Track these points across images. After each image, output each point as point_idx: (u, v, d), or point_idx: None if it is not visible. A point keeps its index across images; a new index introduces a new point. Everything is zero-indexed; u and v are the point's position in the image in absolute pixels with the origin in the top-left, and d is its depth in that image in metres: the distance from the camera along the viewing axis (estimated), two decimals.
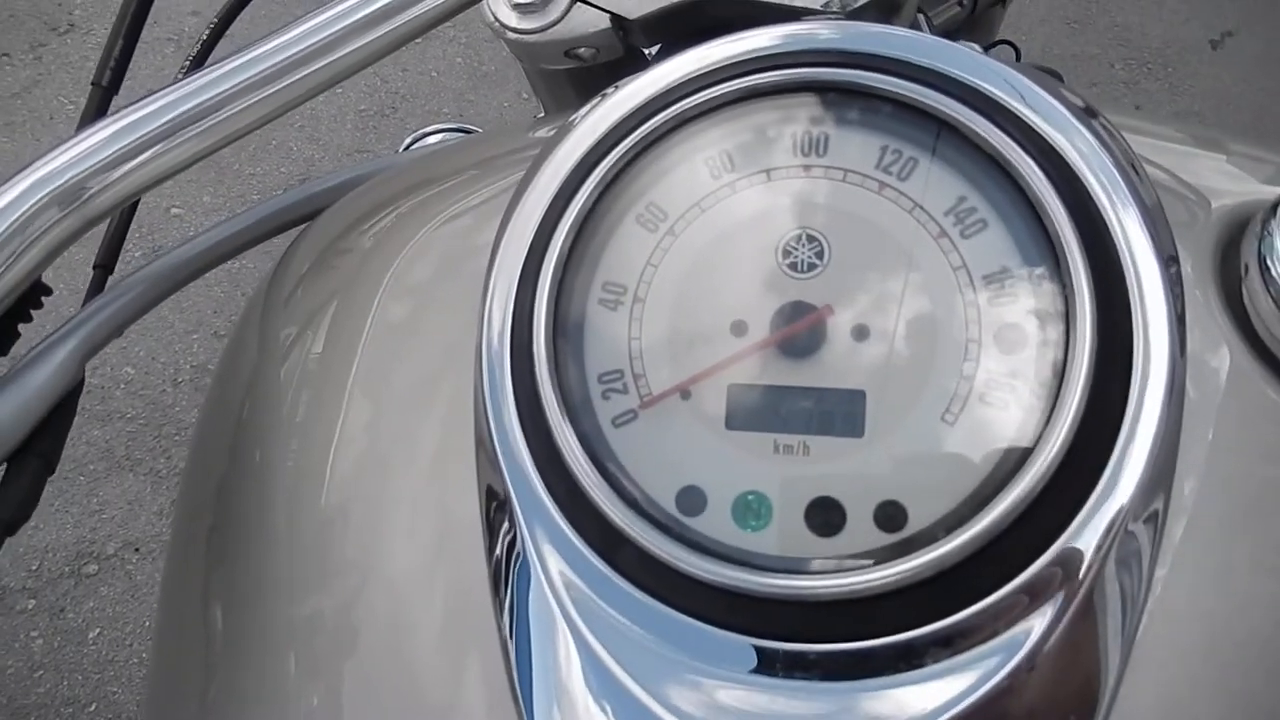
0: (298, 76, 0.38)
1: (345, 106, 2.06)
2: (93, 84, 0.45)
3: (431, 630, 0.31)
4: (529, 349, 0.27)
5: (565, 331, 0.27)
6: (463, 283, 0.39)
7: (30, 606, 1.40)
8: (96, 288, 0.45)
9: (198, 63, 0.47)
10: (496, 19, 0.49)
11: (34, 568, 1.42)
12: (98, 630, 1.38)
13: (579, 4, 0.48)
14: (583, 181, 0.28)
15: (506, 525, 0.26)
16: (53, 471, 0.36)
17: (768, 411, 0.26)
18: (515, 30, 0.49)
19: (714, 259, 0.28)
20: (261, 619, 0.34)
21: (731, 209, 0.28)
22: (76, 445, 1.46)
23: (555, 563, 0.25)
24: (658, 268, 0.28)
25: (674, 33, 0.50)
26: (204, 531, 0.40)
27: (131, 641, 1.38)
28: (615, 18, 0.48)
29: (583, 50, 0.50)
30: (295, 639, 0.33)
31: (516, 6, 0.49)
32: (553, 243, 0.28)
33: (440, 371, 0.36)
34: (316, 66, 0.38)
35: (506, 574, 0.26)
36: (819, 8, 0.45)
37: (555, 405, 0.26)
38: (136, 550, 1.44)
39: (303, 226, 0.47)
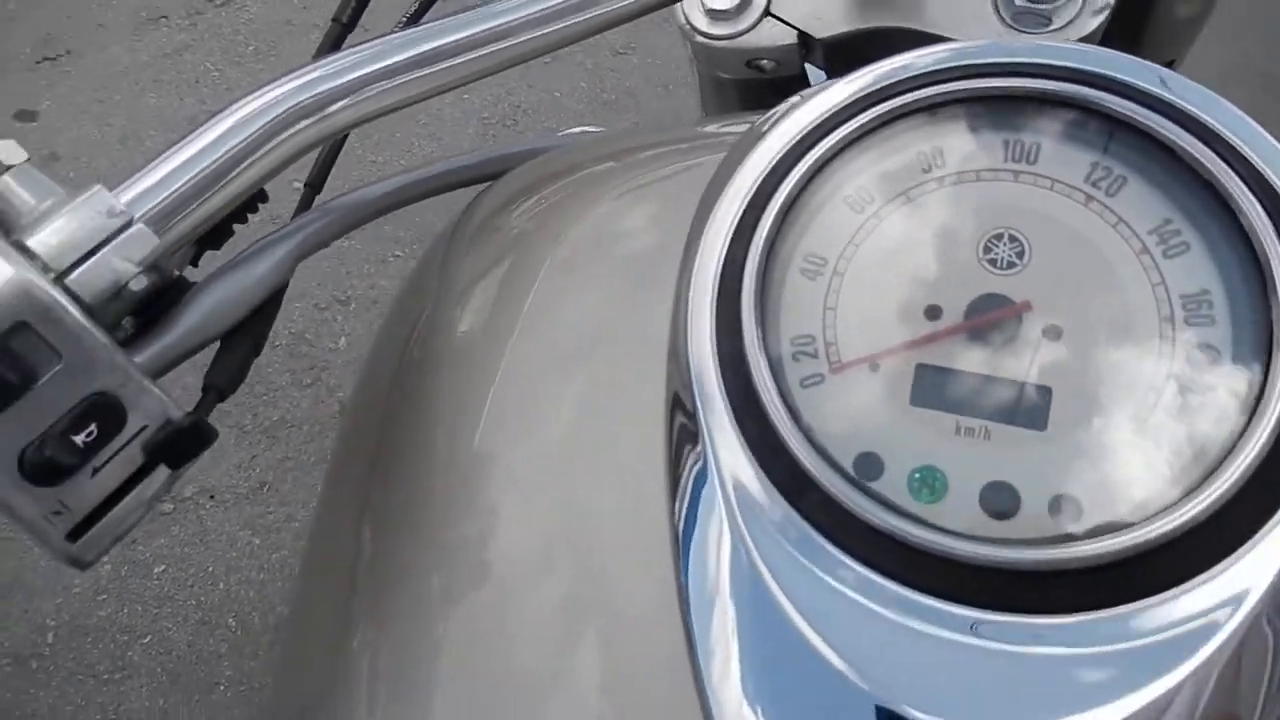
0: (501, 46, 0.41)
1: (469, 111, 2.13)
2: (333, 20, 0.50)
3: (579, 565, 0.33)
4: (737, 298, 0.28)
5: (767, 290, 0.29)
6: (636, 249, 0.41)
7: None
8: (304, 204, 0.49)
9: (415, 18, 0.51)
10: (688, 21, 0.52)
11: None
12: (163, 567, 1.43)
13: (769, 18, 0.51)
14: (798, 160, 0.30)
15: (694, 460, 0.28)
16: (259, 354, 0.39)
17: (953, 393, 0.27)
18: (704, 34, 0.52)
19: (915, 245, 0.29)
20: (411, 541, 0.36)
21: (938, 201, 0.30)
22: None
23: (739, 488, 0.27)
24: (859, 246, 0.30)
25: (854, 58, 0.52)
26: (365, 455, 0.43)
27: (193, 584, 1.42)
28: (802, 35, 0.51)
29: (764, 62, 0.52)
30: (444, 563, 0.35)
31: (710, 12, 0.51)
32: (768, 208, 0.30)
33: (605, 326, 0.38)
34: (517, 40, 0.41)
35: (687, 498, 0.28)
36: None
37: (758, 349, 0.27)
38: (212, 498, 1.49)
39: (483, 186, 0.50)
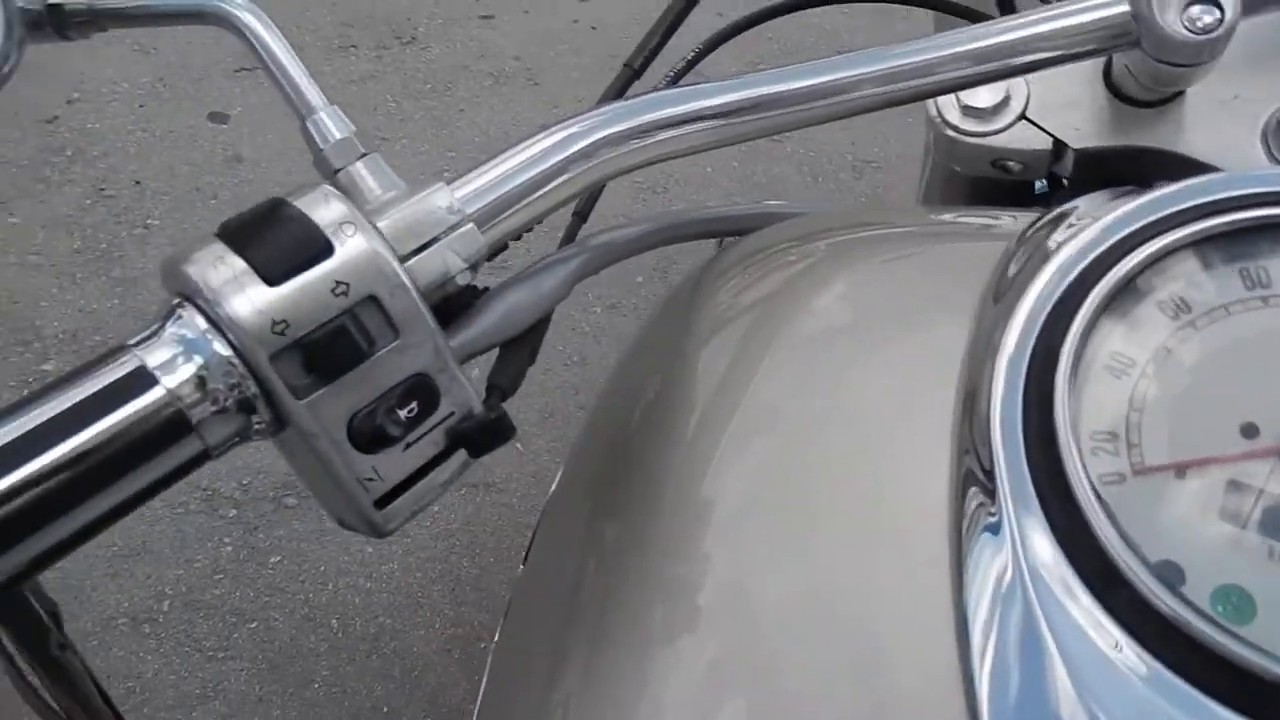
0: (804, 108, 0.43)
1: None
2: (625, 65, 0.53)
3: (845, 637, 0.32)
4: (1050, 386, 0.30)
5: (1074, 380, 0.30)
6: (895, 325, 0.42)
7: (231, 515, 1.52)
8: (571, 232, 0.52)
9: (682, 73, 0.55)
10: (940, 113, 0.54)
11: (244, 483, 1.55)
12: (279, 558, 1.48)
13: (1024, 121, 0.53)
14: (1120, 259, 0.32)
15: (987, 540, 0.29)
16: (533, 363, 0.42)
17: (1268, 517, 0.27)
18: (955, 128, 0.54)
19: (1231, 359, 0.30)
20: (637, 572, 0.37)
21: (1261, 320, 0.30)
22: None
23: (1040, 572, 0.27)
24: (1171, 352, 0.31)
25: (1104, 171, 0.53)
26: (592, 481, 0.44)
27: (304, 580, 1.47)
28: (1057, 143, 0.52)
29: (1011, 164, 0.54)
30: (670, 597, 0.35)
31: (966, 108, 0.53)
32: (1085, 303, 0.31)
33: (868, 395, 0.39)
34: (818, 104, 0.43)
35: (976, 577, 0.29)
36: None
37: (1070, 437, 0.28)
38: None
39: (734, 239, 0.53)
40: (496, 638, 0.51)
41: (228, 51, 2.39)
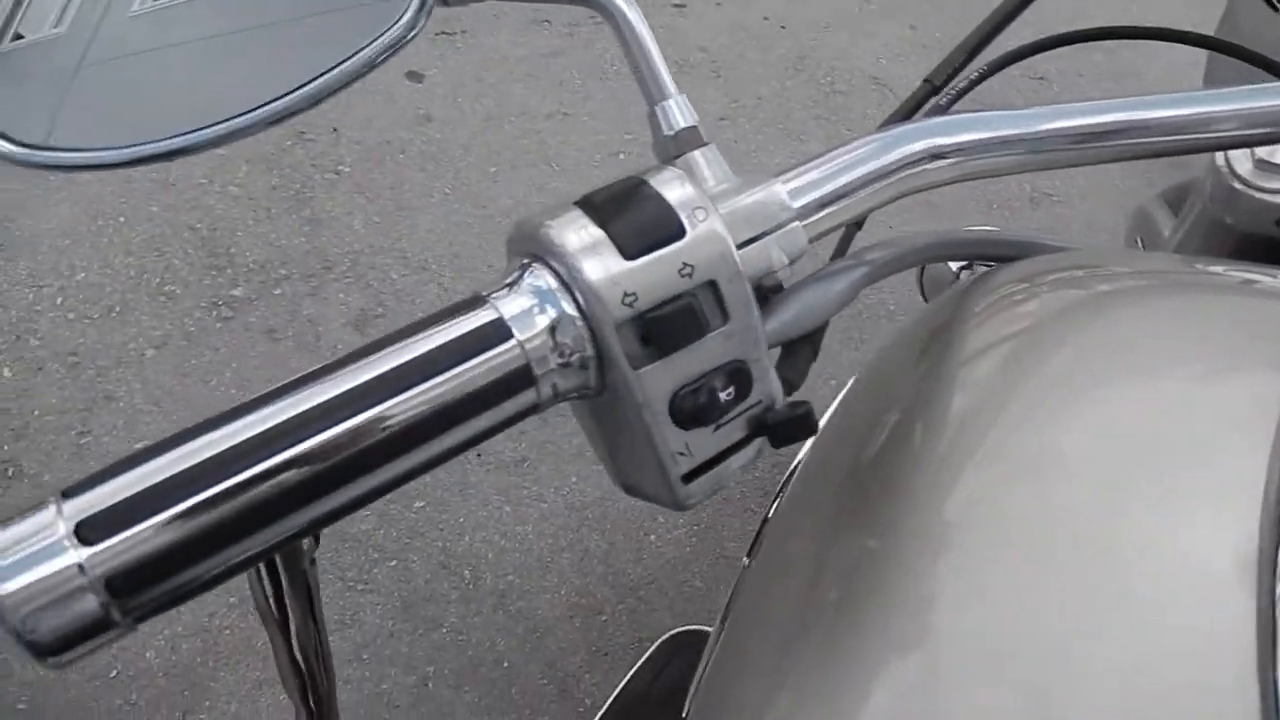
0: (1132, 141, 0.42)
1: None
2: (925, 80, 0.54)
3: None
4: None
5: None
6: (1185, 370, 0.40)
7: None
8: (846, 240, 0.53)
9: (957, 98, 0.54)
10: (1229, 165, 0.52)
11: None
12: (423, 504, 1.55)
13: None
14: None
15: None
16: (815, 359, 0.42)
17: None
18: (1244, 181, 0.52)
19: None
20: (876, 587, 0.36)
21: None
22: None
23: None
24: None
25: None
26: (833, 492, 0.44)
27: (443, 528, 1.52)
28: None
29: None
30: (909, 616, 0.34)
31: (1260, 162, 0.51)
32: None
33: (1152, 433, 0.36)
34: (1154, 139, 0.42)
35: None
36: None
37: None
38: (479, 455, 1.60)
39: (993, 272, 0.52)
40: (720, 628, 0.52)
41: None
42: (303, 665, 0.40)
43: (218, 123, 0.39)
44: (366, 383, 0.29)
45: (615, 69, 2.42)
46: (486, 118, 2.23)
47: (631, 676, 1.15)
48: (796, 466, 0.57)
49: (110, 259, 1.82)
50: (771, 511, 0.56)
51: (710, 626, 0.47)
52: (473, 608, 1.44)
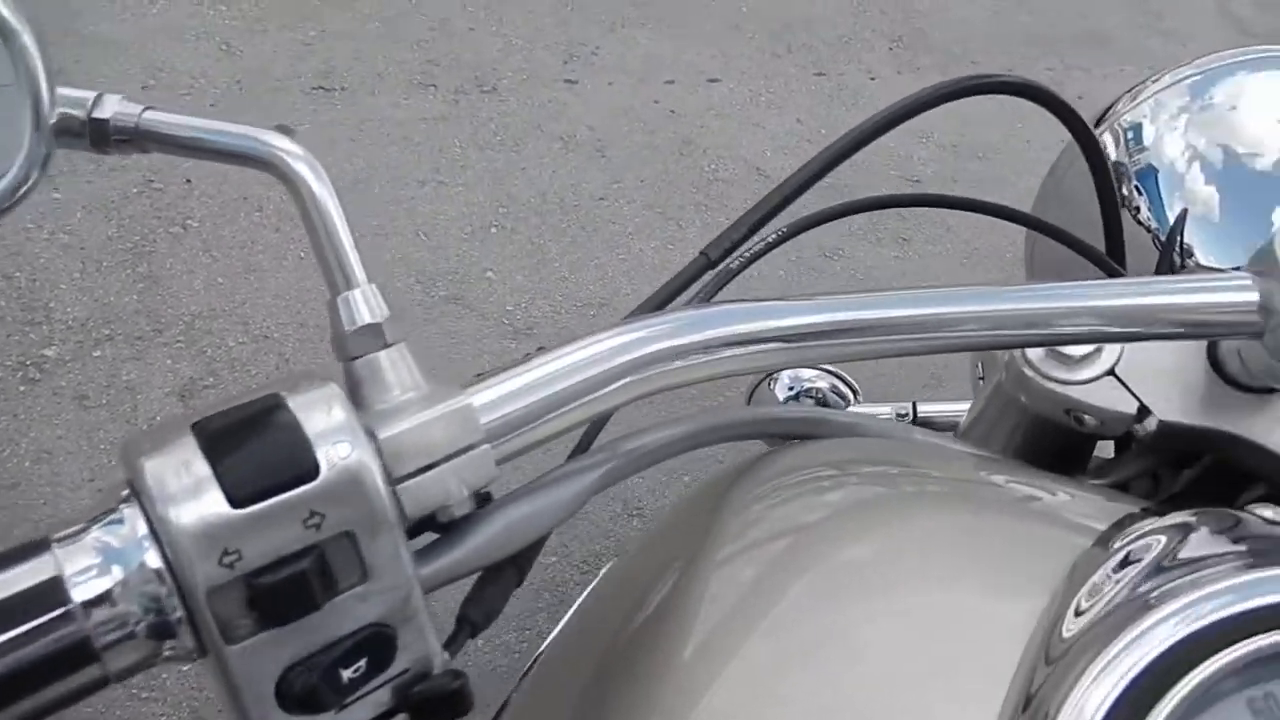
0: (882, 339, 0.37)
1: (643, 264, 2.16)
2: (701, 253, 0.48)
3: None
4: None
5: None
6: (929, 586, 0.37)
7: None
8: (588, 439, 0.47)
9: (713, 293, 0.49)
10: (1026, 356, 0.48)
11: None
12: None
13: (1112, 378, 0.47)
14: (1207, 657, 0.27)
15: None
16: (519, 585, 0.36)
17: None
18: (1036, 369, 0.48)
19: None
20: None
21: None
22: None
23: None
24: None
25: (1184, 444, 0.48)
26: (579, 668, 0.41)
27: None
28: (1142, 408, 0.46)
29: (1087, 418, 0.48)
30: None
31: (1052, 352, 0.47)
32: (1170, 693, 0.27)
33: (881, 648, 0.34)
34: (896, 338, 0.38)
35: None
36: None
37: None
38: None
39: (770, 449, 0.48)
40: None
41: (310, 67, 2.40)
42: None
43: None
44: None
45: (499, 139, 2.37)
46: (355, 180, 2.13)
47: None
48: (536, 659, 0.52)
49: None
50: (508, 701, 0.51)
51: None
52: None
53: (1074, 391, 0.47)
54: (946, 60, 3.04)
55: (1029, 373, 0.48)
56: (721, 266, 0.50)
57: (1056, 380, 0.48)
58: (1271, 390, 0.44)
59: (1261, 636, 0.28)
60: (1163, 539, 0.35)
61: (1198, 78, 0.64)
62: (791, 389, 0.98)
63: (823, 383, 0.97)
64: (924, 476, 0.44)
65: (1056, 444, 0.54)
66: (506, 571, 0.35)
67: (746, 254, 0.51)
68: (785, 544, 0.40)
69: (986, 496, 0.44)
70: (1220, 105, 0.62)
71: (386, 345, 0.33)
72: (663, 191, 2.36)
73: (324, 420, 0.28)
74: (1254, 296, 0.38)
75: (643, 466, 0.41)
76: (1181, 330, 0.39)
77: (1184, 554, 0.32)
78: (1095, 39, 3.27)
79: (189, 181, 2.02)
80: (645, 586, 0.44)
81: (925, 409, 0.94)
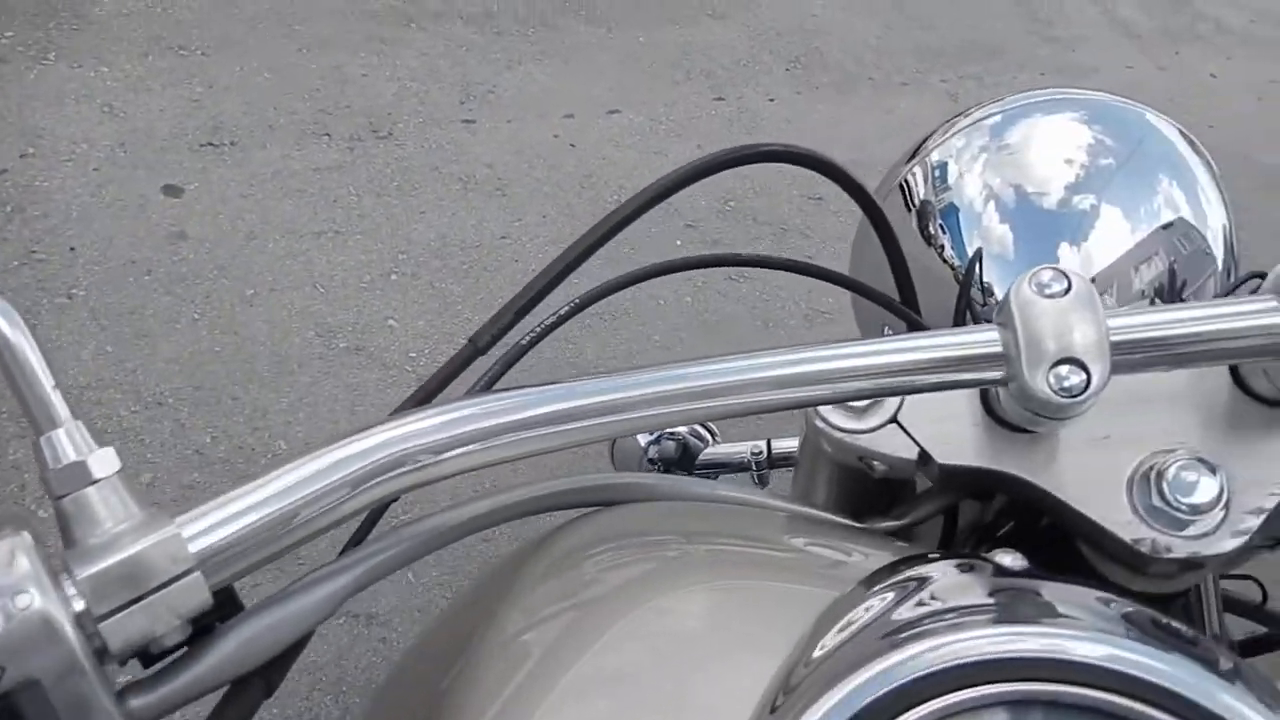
0: (632, 415, 0.38)
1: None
2: (469, 341, 0.48)
3: None
4: None
5: None
6: (696, 658, 0.38)
7: None
8: (359, 536, 0.46)
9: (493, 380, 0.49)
10: (819, 412, 0.50)
11: None
12: None
13: (895, 425, 0.48)
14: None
15: None
16: (270, 696, 0.35)
17: None
18: (825, 419, 0.49)
19: None
20: None
21: None
22: None
23: None
24: None
25: (969, 484, 0.49)
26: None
27: None
28: (923, 453, 0.48)
29: (876, 464, 0.49)
30: None
31: (842, 405, 0.49)
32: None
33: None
34: (651, 412, 0.38)
35: None
36: (1128, 540, 0.43)
37: None
38: None
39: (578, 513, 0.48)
40: None
41: (198, 124, 2.36)
42: None
43: None
44: None
45: (396, 185, 2.36)
46: (249, 236, 2.10)
47: None
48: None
49: None
50: None
51: None
52: None
53: (861, 440, 0.48)
54: (843, 78, 3.10)
55: (819, 424, 0.50)
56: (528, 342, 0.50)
57: (845, 430, 0.49)
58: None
59: (967, 690, 0.29)
60: (903, 589, 0.36)
61: (998, 118, 0.66)
62: (651, 434, 0.99)
63: (681, 428, 0.98)
64: (706, 536, 0.45)
65: (867, 489, 0.55)
66: (253, 685, 0.35)
67: (539, 328, 0.51)
68: (563, 620, 0.41)
69: (758, 552, 0.45)
70: (1015, 145, 0.65)
71: (93, 481, 0.32)
72: (566, 227, 2.36)
73: (6, 572, 0.28)
74: (996, 347, 0.40)
75: (421, 554, 0.41)
76: (941, 381, 0.40)
77: (904, 609, 0.34)
78: (987, 50, 3.37)
79: (72, 249, 1.97)
80: (442, 661, 0.44)
81: (780, 445, 0.96)
